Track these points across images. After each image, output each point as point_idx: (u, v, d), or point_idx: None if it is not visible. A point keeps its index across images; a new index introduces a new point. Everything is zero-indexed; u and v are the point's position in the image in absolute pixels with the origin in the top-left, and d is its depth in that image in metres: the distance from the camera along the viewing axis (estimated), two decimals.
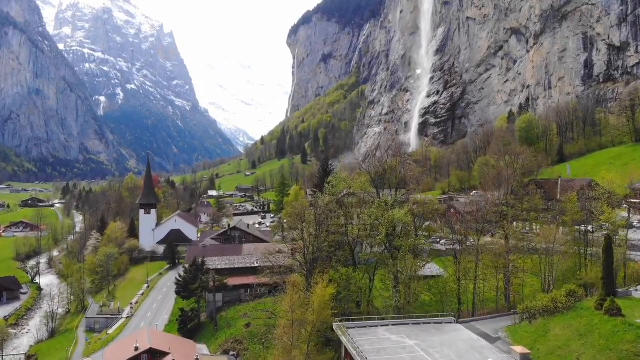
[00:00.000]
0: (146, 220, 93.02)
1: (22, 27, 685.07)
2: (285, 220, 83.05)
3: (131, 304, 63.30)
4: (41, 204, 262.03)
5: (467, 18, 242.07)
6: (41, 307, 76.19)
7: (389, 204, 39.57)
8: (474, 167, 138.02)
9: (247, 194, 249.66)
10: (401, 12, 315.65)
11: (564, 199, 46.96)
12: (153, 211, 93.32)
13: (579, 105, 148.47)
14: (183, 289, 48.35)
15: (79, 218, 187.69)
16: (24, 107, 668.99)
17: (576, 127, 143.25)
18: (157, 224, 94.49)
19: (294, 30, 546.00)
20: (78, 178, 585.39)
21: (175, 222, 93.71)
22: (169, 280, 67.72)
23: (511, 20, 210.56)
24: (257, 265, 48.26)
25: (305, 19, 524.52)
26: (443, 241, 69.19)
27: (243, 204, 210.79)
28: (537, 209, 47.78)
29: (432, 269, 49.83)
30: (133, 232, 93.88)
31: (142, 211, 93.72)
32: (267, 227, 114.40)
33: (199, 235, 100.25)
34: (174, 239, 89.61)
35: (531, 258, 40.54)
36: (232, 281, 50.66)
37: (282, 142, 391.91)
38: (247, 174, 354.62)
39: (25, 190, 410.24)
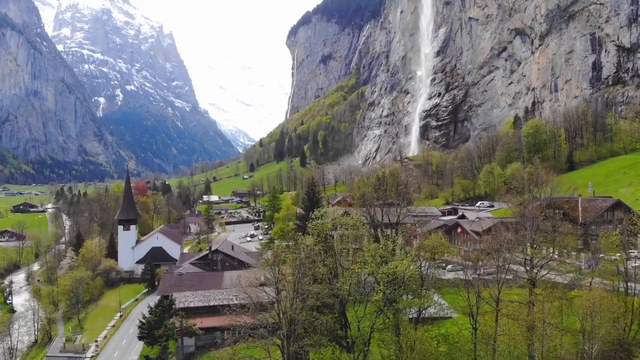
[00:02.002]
0: (125, 237, 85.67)
1: (19, 28, 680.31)
2: (275, 241, 76.45)
3: (96, 341, 56.35)
4: (33, 209, 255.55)
5: (470, 18, 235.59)
6: (10, 333, 69.55)
7: (388, 248, 32.57)
8: (478, 175, 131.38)
9: (243, 200, 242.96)
10: (401, 12, 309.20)
11: (603, 237, 40.20)
12: (133, 227, 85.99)
13: (589, 109, 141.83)
14: (147, 335, 41.65)
15: (69, 225, 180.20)
16: (21, 109, 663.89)
17: (585, 133, 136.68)
18: (138, 241, 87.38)
19: (294, 31, 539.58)
20: (76, 180, 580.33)
21: (157, 239, 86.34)
22: (145, 308, 60.94)
23: (515, 20, 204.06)
24: (236, 302, 41.67)
25: (305, 20, 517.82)
26: (449, 266, 62.26)
27: (238, 210, 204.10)
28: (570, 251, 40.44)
29: (439, 302, 42.71)
30: (113, 248, 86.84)
31: (120, 227, 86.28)
32: (260, 239, 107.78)
33: (184, 250, 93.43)
34: (155, 258, 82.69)
35: (562, 311, 33.56)
36: (206, 322, 43.98)
37: (280, 145, 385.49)
38: (245, 177, 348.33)
39: (21, 194, 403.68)
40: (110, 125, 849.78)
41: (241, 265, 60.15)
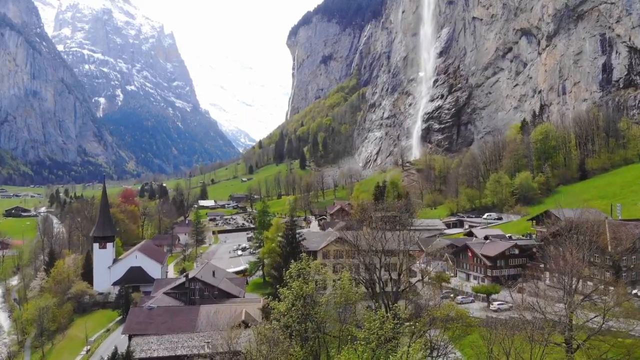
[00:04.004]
0: (101, 256, 78.32)
1: (19, 28, 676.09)
2: (265, 260, 70.04)
3: None
4: (25, 214, 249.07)
5: (473, 18, 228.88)
6: None
7: (388, 327, 24.75)
8: (485, 183, 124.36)
9: (240, 205, 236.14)
10: (403, 12, 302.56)
11: None
12: (109, 245, 78.45)
13: (600, 113, 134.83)
14: None
15: (60, 230, 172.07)
16: (20, 109, 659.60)
17: (597, 139, 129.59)
18: (115, 260, 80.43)
19: (294, 31, 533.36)
20: (74, 181, 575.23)
21: (136, 258, 79.15)
22: (116, 340, 54.45)
23: (521, 20, 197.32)
24: (207, 350, 35.18)
25: (306, 20, 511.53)
26: (459, 297, 55.30)
27: (234, 217, 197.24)
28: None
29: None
30: (89, 267, 79.91)
31: (96, 245, 78.61)
32: (252, 252, 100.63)
33: (166, 272, 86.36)
34: (134, 279, 75.93)
35: None
36: None
37: (280, 146, 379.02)
38: (244, 179, 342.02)
39: (17, 196, 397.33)
40: (110, 126, 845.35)
41: (222, 295, 53.49)
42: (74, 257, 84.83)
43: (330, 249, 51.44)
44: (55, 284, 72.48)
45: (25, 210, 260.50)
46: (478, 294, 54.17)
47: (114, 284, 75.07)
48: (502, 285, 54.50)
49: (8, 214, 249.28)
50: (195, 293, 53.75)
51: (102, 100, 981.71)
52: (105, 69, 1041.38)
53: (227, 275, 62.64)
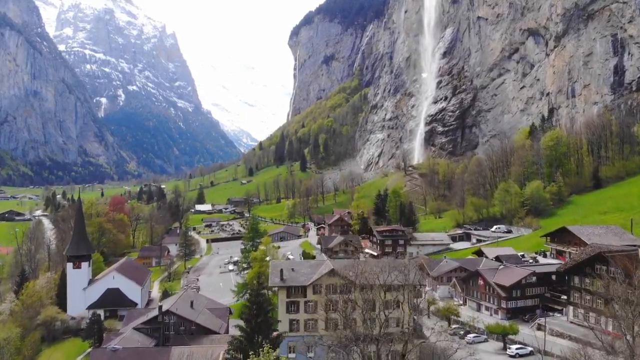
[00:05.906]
0: (75, 277, 71.53)
1: (19, 28, 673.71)
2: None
3: None
4: (19, 218, 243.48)
5: (478, 18, 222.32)
6: None
7: None
8: (492, 192, 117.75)
9: (237, 210, 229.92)
10: (406, 12, 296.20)
11: None
12: (85, 265, 71.48)
13: (613, 117, 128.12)
14: None
15: (48, 238, 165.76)
16: (20, 109, 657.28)
17: (610, 144, 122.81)
18: (91, 281, 74.16)
19: (295, 31, 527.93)
20: (74, 182, 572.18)
21: (113, 279, 72.83)
22: None
23: (528, 20, 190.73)
24: None
25: (307, 20, 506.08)
26: (470, 336, 48.87)
27: (231, 222, 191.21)
28: None
29: None
30: (64, 288, 73.43)
31: (69, 265, 71.80)
32: (244, 267, 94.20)
33: (149, 291, 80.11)
34: (111, 302, 69.85)
35: None
36: None
37: (280, 148, 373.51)
38: (243, 181, 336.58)
39: (14, 197, 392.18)
40: (111, 126, 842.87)
41: (200, 331, 47.22)
42: (48, 276, 78.83)
43: (322, 282, 45.24)
44: (25, 308, 66.53)
45: (19, 214, 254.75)
46: (492, 334, 47.66)
47: (89, 307, 68.91)
48: (518, 318, 48.15)
49: (2, 217, 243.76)
50: (169, 328, 47.63)
51: (103, 100, 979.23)
52: (106, 69, 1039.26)
53: (209, 304, 56.27)
